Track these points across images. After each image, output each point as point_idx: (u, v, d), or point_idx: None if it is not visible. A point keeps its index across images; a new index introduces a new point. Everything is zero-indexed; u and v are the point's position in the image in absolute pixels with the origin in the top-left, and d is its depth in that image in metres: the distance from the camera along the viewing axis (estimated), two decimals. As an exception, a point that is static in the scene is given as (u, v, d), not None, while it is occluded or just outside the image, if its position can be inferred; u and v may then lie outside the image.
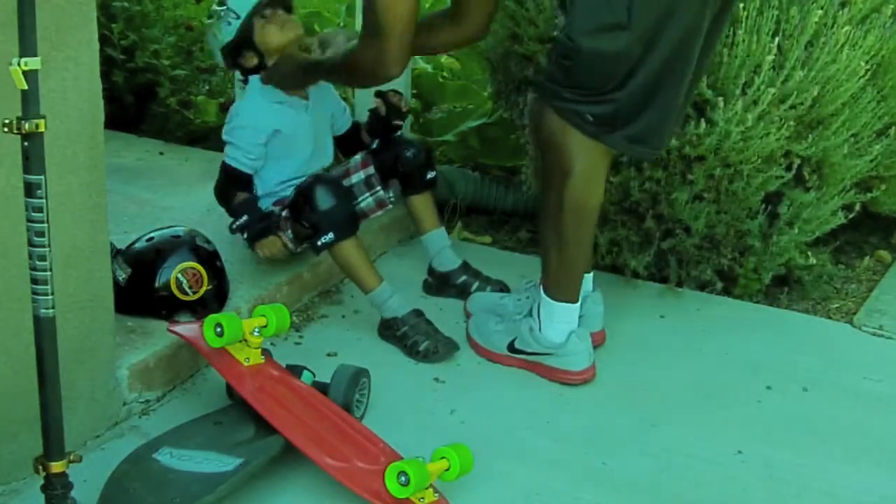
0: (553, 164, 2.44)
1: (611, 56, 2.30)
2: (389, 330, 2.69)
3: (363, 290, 2.70)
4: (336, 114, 2.99)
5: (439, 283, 2.92)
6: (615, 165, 2.88)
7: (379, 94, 2.93)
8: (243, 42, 2.79)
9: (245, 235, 2.76)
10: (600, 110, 2.35)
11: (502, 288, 2.91)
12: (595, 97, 2.35)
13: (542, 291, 2.55)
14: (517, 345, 2.60)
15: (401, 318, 2.67)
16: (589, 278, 2.68)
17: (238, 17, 2.76)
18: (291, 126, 2.81)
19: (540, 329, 2.55)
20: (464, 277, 2.91)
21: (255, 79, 2.86)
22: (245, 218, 2.73)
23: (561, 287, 2.53)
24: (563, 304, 2.53)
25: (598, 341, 2.67)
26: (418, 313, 2.68)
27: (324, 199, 2.62)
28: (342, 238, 2.64)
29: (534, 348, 2.57)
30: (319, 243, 2.65)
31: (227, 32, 2.79)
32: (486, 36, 2.88)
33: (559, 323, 2.54)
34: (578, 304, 2.56)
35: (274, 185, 2.84)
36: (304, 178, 2.80)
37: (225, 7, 2.79)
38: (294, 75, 2.81)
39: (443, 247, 2.93)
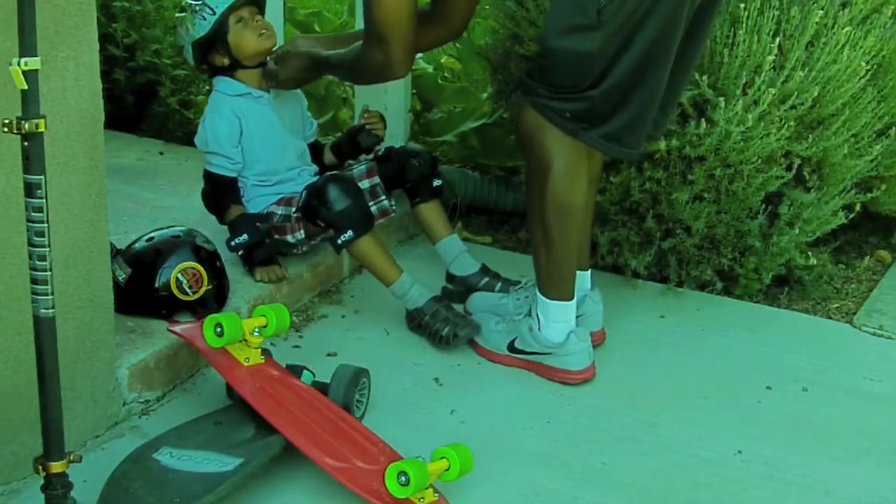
0: (533, 162, 2.45)
1: (583, 56, 2.32)
2: (414, 321, 2.72)
3: (384, 284, 2.72)
4: (297, 117, 2.98)
5: (460, 289, 2.92)
6: (615, 165, 2.88)
7: (366, 109, 2.96)
8: (216, 40, 2.78)
9: (241, 254, 2.78)
10: (575, 107, 2.36)
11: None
12: (570, 94, 2.36)
13: (536, 291, 2.56)
14: (517, 344, 2.60)
15: (422, 308, 2.69)
16: (587, 276, 2.68)
17: (214, 14, 2.74)
18: (255, 118, 2.82)
19: (539, 329, 2.56)
20: (486, 280, 2.91)
21: (219, 80, 2.86)
22: (245, 237, 2.74)
23: (553, 285, 2.53)
24: (557, 302, 2.53)
25: (597, 340, 2.67)
26: (438, 299, 2.71)
27: (339, 199, 2.64)
28: (361, 235, 2.67)
29: (533, 348, 2.57)
30: (340, 242, 2.68)
31: (200, 28, 2.76)
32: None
33: (556, 322, 2.54)
34: (573, 301, 2.56)
35: (251, 184, 2.85)
36: (280, 174, 2.85)
37: (200, 1, 2.76)
38: (301, 71, 2.81)
39: (459, 252, 2.93)
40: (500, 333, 2.65)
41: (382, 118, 2.98)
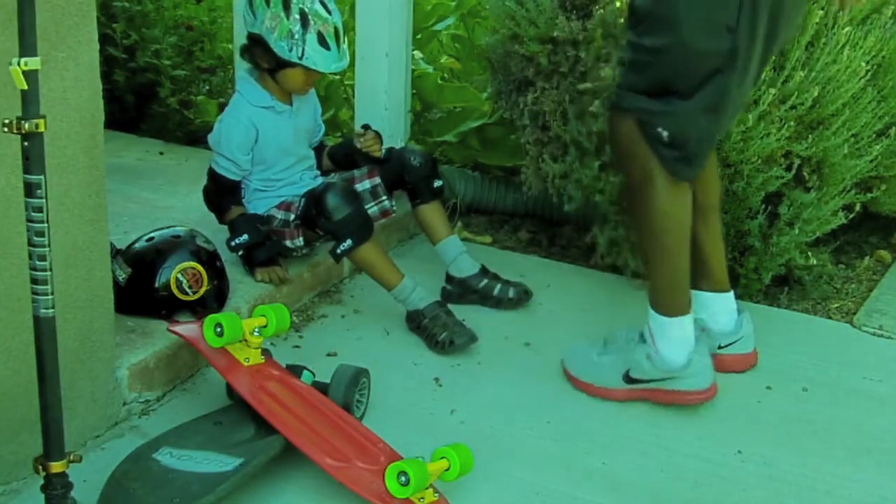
0: (635, 172, 2.34)
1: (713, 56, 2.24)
2: (413, 322, 2.73)
3: (386, 288, 2.73)
4: (312, 129, 2.98)
5: (459, 290, 2.92)
6: (615, 165, 2.88)
7: (365, 127, 2.94)
8: (276, 55, 2.72)
9: (241, 254, 2.79)
10: (667, 109, 2.27)
11: (525, 290, 2.91)
12: (670, 97, 2.25)
13: (651, 311, 2.42)
14: (633, 374, 2.45)
15: (422, 311, 2.70)
16: (731, 298, 2.61)
17: (299, 59, 2.68)
18: (272, 130, 2.81)
19: (658, 352, 2.41)
20: (484, 281, 2.91)
21: (242, 82, 2.85)
22: (245, 238, 2.74)
23: (671, 300, 2.41)
24: (677, 318, 2.40)
25: (753, 361, 2.63)
26: (440, 304, 2.72)
27: (338, 209, 2.65)
28: (360, 243, 2.68)
29: (653, 375, 2.43)
30: (339, 251, 2.68)
31: (279, 47, 2.68)
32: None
33: (677, 341, 2.40)
34: (691, 315, 2.43)
35: (253, 189, 2.86)
36: (283, 181, 2.84)
37: (301, 40, 2.66)
38: None
39: (459, 253, 2.93)
40: (610, 366, 2.48)
41: (379, 137, 2.94)
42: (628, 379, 2.46)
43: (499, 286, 2.91)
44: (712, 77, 2.23)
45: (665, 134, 2.27)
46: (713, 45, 2.21)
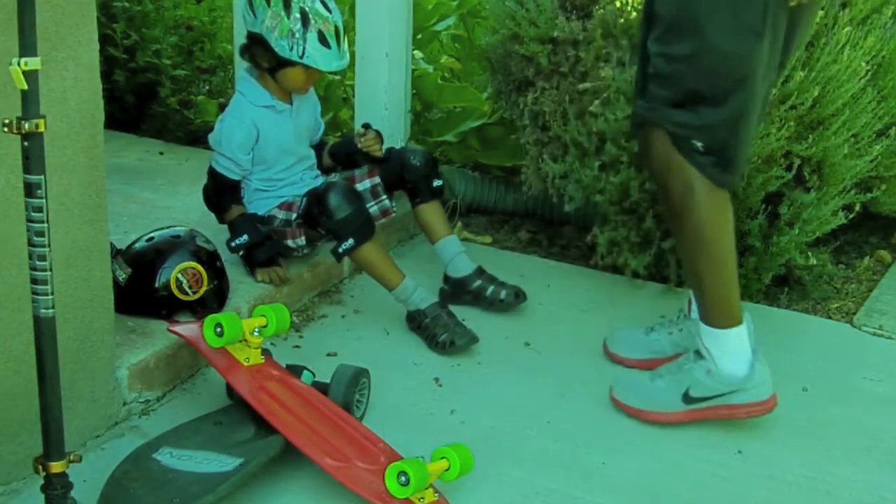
0: (675, 185, 2.28)
1: (741, 59, 2.20)
2: (413, 322, 2.73)
3: (387, 288, 2.73)
4: (312, 127, 2.98)
5: (454, 290, 2.92)
6: (614, 165, 2.88)
7: (365, 126, 2.94)
8: (277, 54, 2.73)
9: (242, 254, 2.79)
10: (698, 121, 2.23)
11: (518, 292, 2.90)
12: (698, 106, 2.22)
13: (705, 326, 2.36)
14: (693, 393, 2.38)
15: (423, 311, 2.70)
16: None
17: (300, 58, 2.68)
18: (273, 130, 2.81)
19: (717, 367, 2.35)
20: (478, 282, 2.90)
21: (243, 81, 2.85)
22: (245, 238, 2.74)
23: (724, 311, 2.34)
24: (733, 329, 2.34)
25: None
26: (441, 305, 2.72)
27: (340, 208, 2.65)
28: (362, 242, 2.68)
29: (716, 391, 2.36)
30: (341, 250, 2.69)
31: (279, 46, 2.68)
32: None
33: (737, 353, 2.35)
34: (745, 324, 2.37)
35: (254, 188, 2.86)
36: (284, 181, 2.84)
37: (301, 39, 2.66)
38: None
39: (456, 253, 2.93)
40: (665, 389, 2.41)
41: (380, 137, 2.94)
42: (688, 399, 2.38)
43: (492, 287, 2.90)
44: (740, 82, 2.20)
45: (700, 145, 2.23)
46: (740, 49, 2.18)
